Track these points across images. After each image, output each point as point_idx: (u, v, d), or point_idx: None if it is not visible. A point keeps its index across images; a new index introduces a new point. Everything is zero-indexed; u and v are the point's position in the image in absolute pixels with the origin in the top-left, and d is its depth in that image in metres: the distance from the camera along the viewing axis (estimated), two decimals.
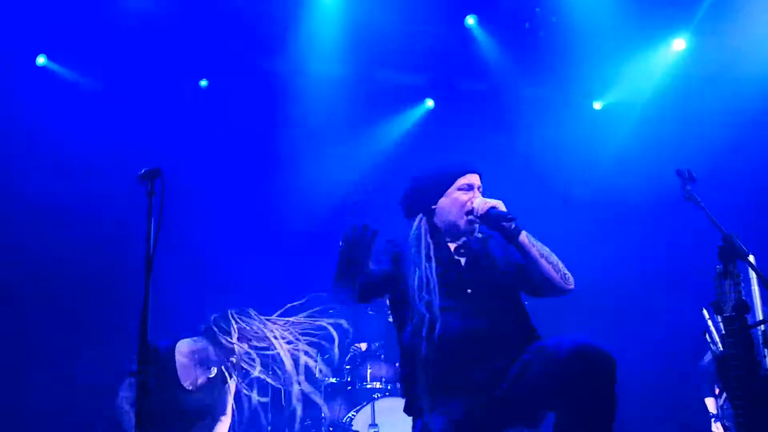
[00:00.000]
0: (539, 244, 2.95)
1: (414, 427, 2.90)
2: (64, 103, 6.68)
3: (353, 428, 5.69)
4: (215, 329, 3.95)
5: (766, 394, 3.03)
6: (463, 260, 3.06)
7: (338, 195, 7.27)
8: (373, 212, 5.05)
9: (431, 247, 2.98)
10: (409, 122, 7.86)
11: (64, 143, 6.57)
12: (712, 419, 5.30)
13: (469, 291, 2.96)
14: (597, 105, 7.87)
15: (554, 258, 2.96)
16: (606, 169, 7.42)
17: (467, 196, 3.03)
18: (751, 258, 3.14)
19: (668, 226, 7.20)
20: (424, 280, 2.86)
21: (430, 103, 7.90)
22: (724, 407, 4.89)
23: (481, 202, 2.96)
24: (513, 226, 2.87)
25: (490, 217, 2.92)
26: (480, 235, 3.15)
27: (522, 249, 2.91)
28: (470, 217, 3.00)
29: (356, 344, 6.53)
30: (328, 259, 7.65)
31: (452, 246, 3.08)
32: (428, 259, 2.94)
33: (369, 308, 6.89)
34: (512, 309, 3.01)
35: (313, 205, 7.38)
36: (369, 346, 6.85)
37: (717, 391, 5.34)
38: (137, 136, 6.63)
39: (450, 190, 3.05)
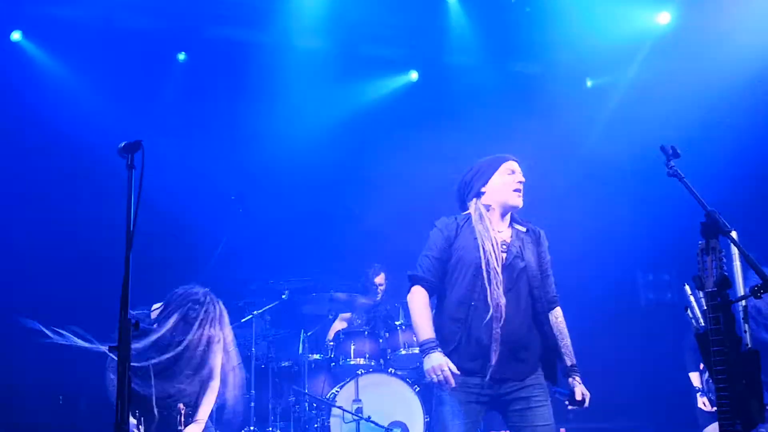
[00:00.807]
0: None
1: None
2: (42, 79, 6.59)
3: (337, 404, 5.70)
4: (188, 306, 3.90)
5: (747, 369, 3.05)
6: (504, 255, 3.60)
7: (318, 169, 7.25)
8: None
9: (483, 233, 3.58)
10: (392, 95, 7.78)
11: (42, 118, 6.49)
12: (698, 393, 5.34)
13: (503, 284, 3.53)
14: (589, 83, 7.87)
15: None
16: (592, 146, 7.44)
17: (512, 177, 3.68)
18: (734, 234, 3.15)
19: (652, 203, 7.25)
20: (476, 263, 3.54)
21: (414, 75, 7.85)
22: (709, 382, 4.93)
23: (517, 181, 3.67)
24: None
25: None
26: (522, 230, 3.73)
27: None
28: (516, 193, 3.65)
29: None
30: (305, 232, 7.66)
31: (499, 238, 3.64)
32: (481, 244, 3.56)
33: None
34: (532, 310, 3.63)
35: (293, 179, 7.35)
36: (351, 322, 6.88)
37: (702, 366, 5.37)
38: (116, 110, 6.56)
39: (497, 173, 3.68)
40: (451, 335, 3.59)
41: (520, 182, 3.70)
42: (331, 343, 6.56)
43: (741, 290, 3.36)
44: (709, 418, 5.17)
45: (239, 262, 6.92)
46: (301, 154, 7.29)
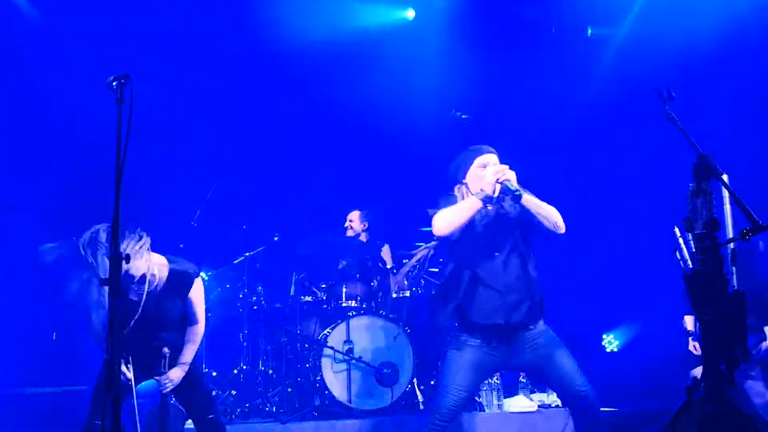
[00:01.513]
0: (537, 203, 3.91)
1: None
2: (33, 14, 6.47)
3: (328, 345, 5.77)
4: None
5: (733, 311, 3.09)
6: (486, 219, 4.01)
7: (309, 112, 7.18)
8: None
9: None
10: (386, 33, 7.62)
11: (31, 52, 6.39)
12: (690, 337, 5.37)
13: (491, 240, 3.98)
14: (589, 31, 7.76)
15: (548, 211, 3.93)
16: (590, 95, 7.39)
17: (482, 172, 3.98)
18: (725, 177, 3.15)
19: (649, 152, 7.24)
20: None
21: (410, 13, 7.71)
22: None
23: (490, 170, 3.90)
24: (517, 193, 3.79)
25: (501, 188, 3.90)
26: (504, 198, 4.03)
27: (524, 207, 3.90)
28: (488, 184, 3.90)
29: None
30: (295, 176, 7.60)
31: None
32: None
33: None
34: (521, 254, 4.00)
35: (281, 121, 7.30)
36: (343, 265, 6.92)
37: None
38: (106, 43, 6.44)
39: (472, 168, 4.05)
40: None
41: (495, 173, 3.92)
42: (323, 286, 6.61)
43: (730, 233, 3.38)
44: (699, 361, 5.22)
45: (231, 205, 6.91)
46: (292, 94, 7.21)
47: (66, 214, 6.36)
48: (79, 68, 6.32)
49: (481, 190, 3.91)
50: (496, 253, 3.96)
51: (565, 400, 4.05)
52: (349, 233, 7.00)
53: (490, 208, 3.99)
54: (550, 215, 3.94)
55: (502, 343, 3.94)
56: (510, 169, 3.93)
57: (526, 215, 3.94)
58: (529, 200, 3.90)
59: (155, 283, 3.95)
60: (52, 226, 6.32)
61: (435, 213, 4.01)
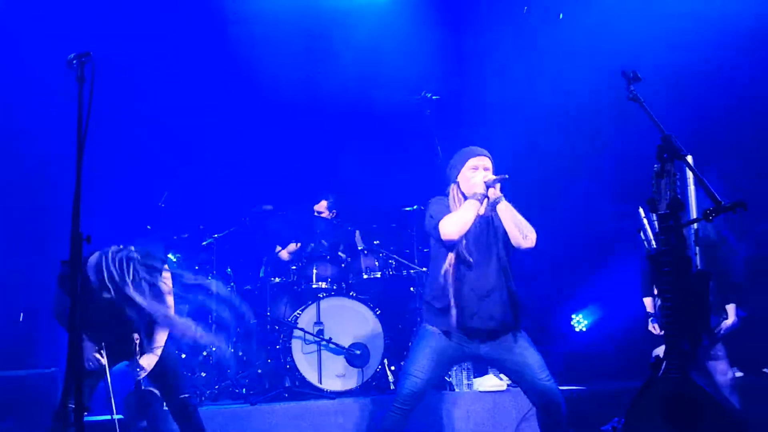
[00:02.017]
0: (513, 212, 4.04)
1: None
2: None
3: (299, 326, 5.77)
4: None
5: (696, 290, 3.14)
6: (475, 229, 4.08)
7: (279, 92, 7.11)
8: None
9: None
10: (360, 12, 7.53)
11: None
12: (650, 319, 5.45)
13: (478, 247, 4.07)
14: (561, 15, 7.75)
15: (522, 222, 4.03)
16: (559, 79, 7.40)
17: (472, 174, 4.14)
18: (689, 158, 3.19)
19: (615, 136, 7.29)
20: None
21: None
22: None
23: (479, 180, 4.07)
24: (497, 199, 4.04)
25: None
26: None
27: (499, 213, 4.05)
28: (473, 188, 4.09)
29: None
30: (265, 160, 7.55)
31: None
32: None
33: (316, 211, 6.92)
34: (501, 267, 4.09)
35: (252, 101, 7.22)
36: (314, 246, 6.89)
37: (656, 291, 5.45)
38: (66, 20, 6.30)
39: (463, 169, 4.16)
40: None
41: (484, 174, 4.12)
42: (293, 267, 6.59)
43: (694, 214, 3.43)
44: (661, 341, 5.30)
45: (200, 186, 6.84)
46: (259, 77, 7.13)
47: (28, 195, 6.27)
48: (38, 46, 6.19)
49: (474, 193, 4.06)
50: (481, 260, 4.05)
51: (528, 394, 4.09)
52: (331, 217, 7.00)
53: (482, 211, 4.10)
54: (523, 225, 4.05)
55: (469, 340, 4.04)
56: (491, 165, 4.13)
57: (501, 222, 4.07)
58: (507, 208, 4.05)
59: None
60: (10, 208, 6.25)
61: (430, 215, 4.14)
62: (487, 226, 4.14)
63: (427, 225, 4.16)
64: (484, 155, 4.21)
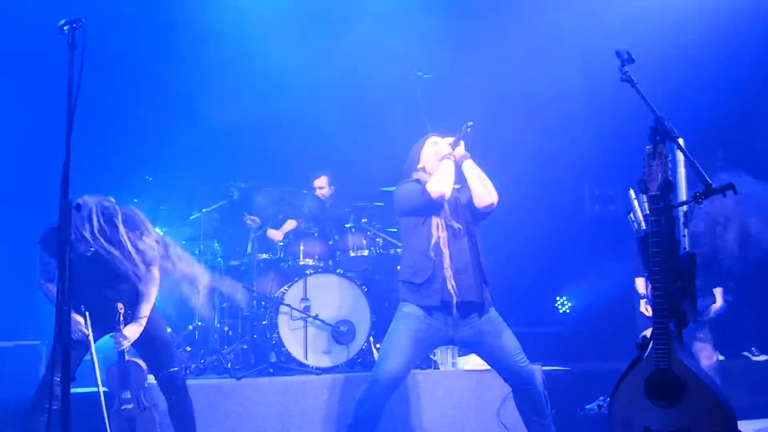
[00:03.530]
0: (477, 171, 4.21)
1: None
2: None
3: (285, 302, 5.76)
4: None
5: (684, 271, 3.15)
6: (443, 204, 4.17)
7: (276, 63, 7.05)
8: None
9: None
10: None
11: None
12: (643, 300, 5.46)
13: (448, 221, 4.15)
14: None
15: (485, 178, 4.20)
16: (541, 62, 7.38)
17: (436, 147, 4.27)
18: (681, 140, 3.19)
19: (601, 118, 7.30)
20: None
21: None
22: None
23: (443, 146, 4.23)
24: (463, 157, 4.21)
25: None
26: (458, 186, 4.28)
27: (465, 172, 4.20)
28: (442, 157, 4.17)
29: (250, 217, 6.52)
30: (257, 135, 7.47)
31: None
32: None
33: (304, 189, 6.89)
34: (469, 244, 4.16)
35: (244, 79, 7.17)
36: (299, 224, 6.88)
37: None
38: None
39: (423, 152, 4.32)
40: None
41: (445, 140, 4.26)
42: (281, 244, 6.58)
43: (683, 196, 3.44)
44: (648, 323, 5.32)
45: (188, 159, 6.79)
46: (253, 55, 7.07)
47: (17, 161, 6.21)
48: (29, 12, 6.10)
49: (443, 155, 4.17)
50: (451, 235, 4.10)
51: (505, 377, 4.15)
52: (326, 201, 6.97)
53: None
54: (486, 182, 4.19)
55: (447, 319, 4.06)
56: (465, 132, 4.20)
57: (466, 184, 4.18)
58: (473, 166, 4.20)
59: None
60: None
61: (399, 188, 4.25)
62: (455, 201, 4.21)
63: (403, 198, 4.23)
64: (438, 135, 4.34)
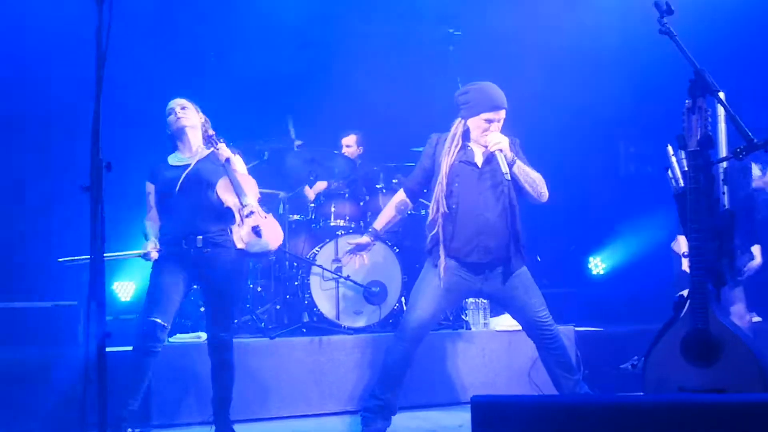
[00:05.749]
0: (526, 171, 4.12)
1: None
2: None
3: (317, 263, 5.78)
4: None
5: (722, 230, 3.08)
6: (480, 162, 4.17)
7: (306, 22, 6.97)
8: None
9: (458, 144, 4.18)
10: None
11: None
12: (685, 258, 5.33)
13: (477, 186, 4.12)
14: None
15: (535, 180, 4.13)
16: (578, 19, 7.20)
17: (486, 126, 4.11)
18: (721, 95, 3.09)
19: (638, 76, 7.12)
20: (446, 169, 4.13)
21: None
22: None
23: (492, 139, 4.02)
24: (506, 173, 3.98)
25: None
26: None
27: (515, 174, 4.07)
28: (483, 143, 4.12)
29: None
30: (286, 93, 7.40)
31: (476, 151, 4.20)
32: (453, 152, 4.17)
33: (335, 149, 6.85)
34: (502, 207, 4.10)
35: (274, 37, 7.10)
36: (329, 185, 6.86)
37: None
38: None
39: (477, 117, 4.11)
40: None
41: (493, 144, 4.04)
42: (312, 205, 6.57)
43: (723, 152, 3.35)
44: (678, 285, 5.23)
45: (219, 122, 6.77)
46: (282, 10, 6.99)
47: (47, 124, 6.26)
48: None
49: (475, 140, 4.15)
50: (489, 199, 4.09)
51: (528, 332, 4.16)
52: (356, 159, 6.94)
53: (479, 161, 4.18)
54: (537, 185, 4.13)
55: (478, 273, 4.11)
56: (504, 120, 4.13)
57: (515, 178, 4.09)
58: (520, 168, 4.10)
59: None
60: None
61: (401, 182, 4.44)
62: (493, 170, 4.12)
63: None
64: (503, 108, 4.15)
